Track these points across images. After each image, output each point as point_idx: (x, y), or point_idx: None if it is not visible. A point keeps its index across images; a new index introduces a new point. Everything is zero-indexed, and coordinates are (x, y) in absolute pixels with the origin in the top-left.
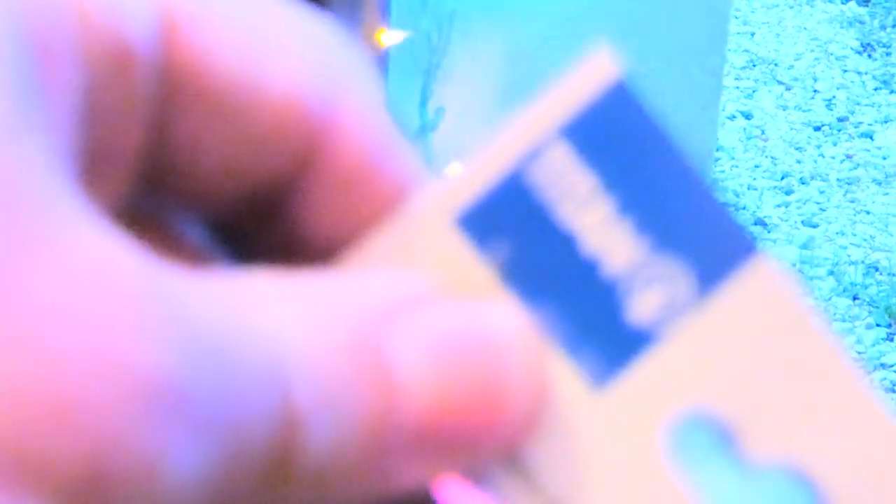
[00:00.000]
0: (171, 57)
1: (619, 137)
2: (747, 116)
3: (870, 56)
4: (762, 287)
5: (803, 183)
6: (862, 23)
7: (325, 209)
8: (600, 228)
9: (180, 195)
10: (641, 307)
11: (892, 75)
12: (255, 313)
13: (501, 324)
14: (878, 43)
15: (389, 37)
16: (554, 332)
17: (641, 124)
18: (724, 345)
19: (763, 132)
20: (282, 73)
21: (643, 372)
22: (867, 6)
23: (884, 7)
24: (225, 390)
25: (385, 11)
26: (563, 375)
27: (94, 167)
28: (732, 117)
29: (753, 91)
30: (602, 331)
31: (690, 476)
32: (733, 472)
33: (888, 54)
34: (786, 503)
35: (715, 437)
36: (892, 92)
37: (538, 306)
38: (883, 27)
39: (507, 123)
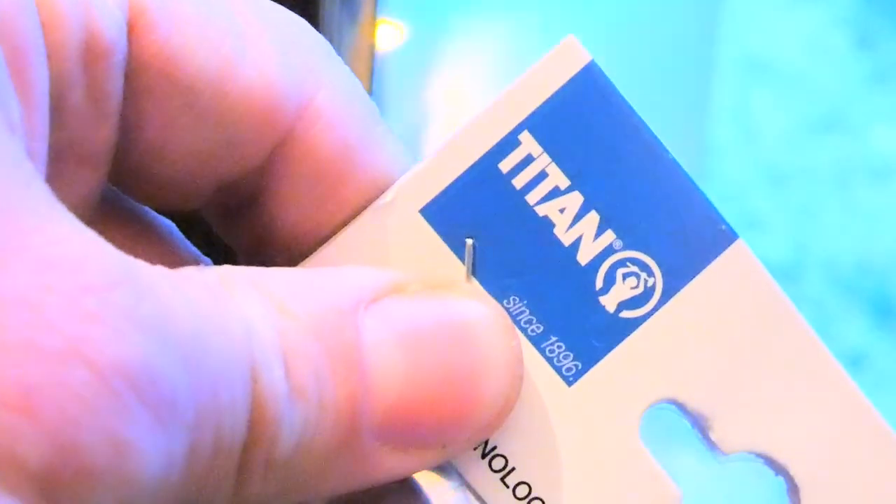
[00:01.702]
0: (138, 49)
1: (587, 126)
2: (739, 113)
3: (864, 53)
4: (736, 276)
5: (796, 179)
6: (856, 19)
7: (299, 201)
8: (570, 219)
9: (152, 189)
10: (614, 297)
11: (886, 72)
12: (226, 304)
13: (473, 315)
14: (872, 39)
15: (386, 29)
16: (525, 322)
17: (610, 112)
18: (697, 333)
19: (756, 128)
20: (252, 65)
21: (617, 361)
22: (861, 2)
23: (878, 3)
24: (195, 379)
25: (382, 3)
26: (536, 365)
27: (66, 164)
28: (724, 113)
29: (746, 87)
30: (574, 321)
31: (663, 462)
32: (705, 458)
33: (882, 51)
34: (756, 488)
35: (687, 424)
36: (885, 89)
37: (509, 297)
38: (877, 23)
39: (475, 114)
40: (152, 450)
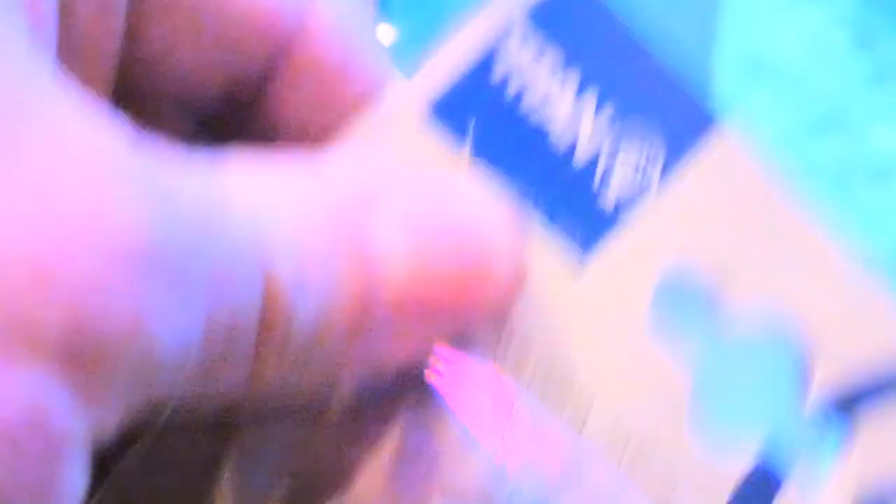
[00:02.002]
0: None
1: (579, 22)
2: (739, 113)
3: (864, 53)
4: (726, 155)
5: (796, 179)
6: (856, 19)
7: (299, 108)
8: (566, 116)
9: (152, 109)
10: (613, 183)
11: (886, 72)
12: (237, 187)
13: (477, 200)
14: (872, 39)
15: (386, 32)
16: (529, 211)
17: (598, 15)
18: (695, 211)
19: (755, 129)
20: None
21: (621, 243)
22: (861, 2)
23: (878, 3)
24: (206, 255)
25: (382, 6)
26: (543, 250)
27: (73, 74)
28: (724, 113)
29: (745, 87)
30: (577, 207)
31: (673, 333)
32: (715, 325)
33: (882, 51)
34: (767, 352)
35: (695, 295)
36: (885, 89)
37: (512, 189)
38: (877, 23)
39: (471, 15)
40: (167, 321)
